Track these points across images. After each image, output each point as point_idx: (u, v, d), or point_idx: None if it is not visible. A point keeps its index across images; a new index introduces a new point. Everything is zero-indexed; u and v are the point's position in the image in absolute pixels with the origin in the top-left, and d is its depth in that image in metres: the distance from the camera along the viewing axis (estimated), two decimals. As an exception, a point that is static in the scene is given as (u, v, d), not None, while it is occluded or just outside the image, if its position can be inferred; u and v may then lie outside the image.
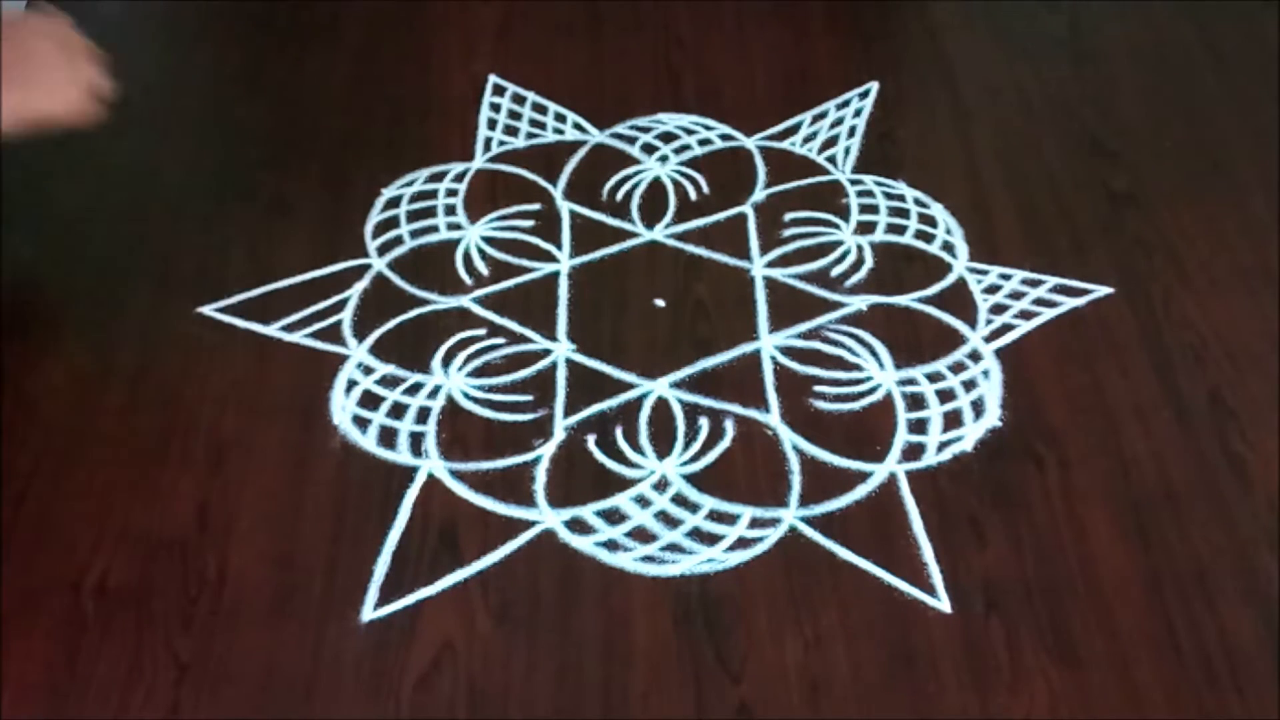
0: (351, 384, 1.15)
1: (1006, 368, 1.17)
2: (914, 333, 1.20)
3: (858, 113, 1.42)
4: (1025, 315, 1.22)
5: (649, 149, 1.37)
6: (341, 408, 1.13)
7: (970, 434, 1.12)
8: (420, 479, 1.08)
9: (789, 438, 1.11)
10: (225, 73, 1.47)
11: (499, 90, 1.43)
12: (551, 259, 1.26)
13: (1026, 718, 0.95)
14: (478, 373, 1.16)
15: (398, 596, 1.01)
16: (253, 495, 1.07)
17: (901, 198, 1.33)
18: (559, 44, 1.50)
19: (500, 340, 1.19)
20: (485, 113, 1.41)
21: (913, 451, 1.11)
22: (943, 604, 1.01)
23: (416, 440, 1.11)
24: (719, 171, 1.35)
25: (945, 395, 1.15)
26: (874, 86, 1.45)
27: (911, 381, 1.16)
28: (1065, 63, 1.50)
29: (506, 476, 1.09)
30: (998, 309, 1.22)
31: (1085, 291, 1.24)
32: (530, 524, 1.05)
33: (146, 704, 0.94)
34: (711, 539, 1.05)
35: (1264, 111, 1.42)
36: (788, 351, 1.18)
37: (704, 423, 1.13)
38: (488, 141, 1.38)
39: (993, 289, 1.24)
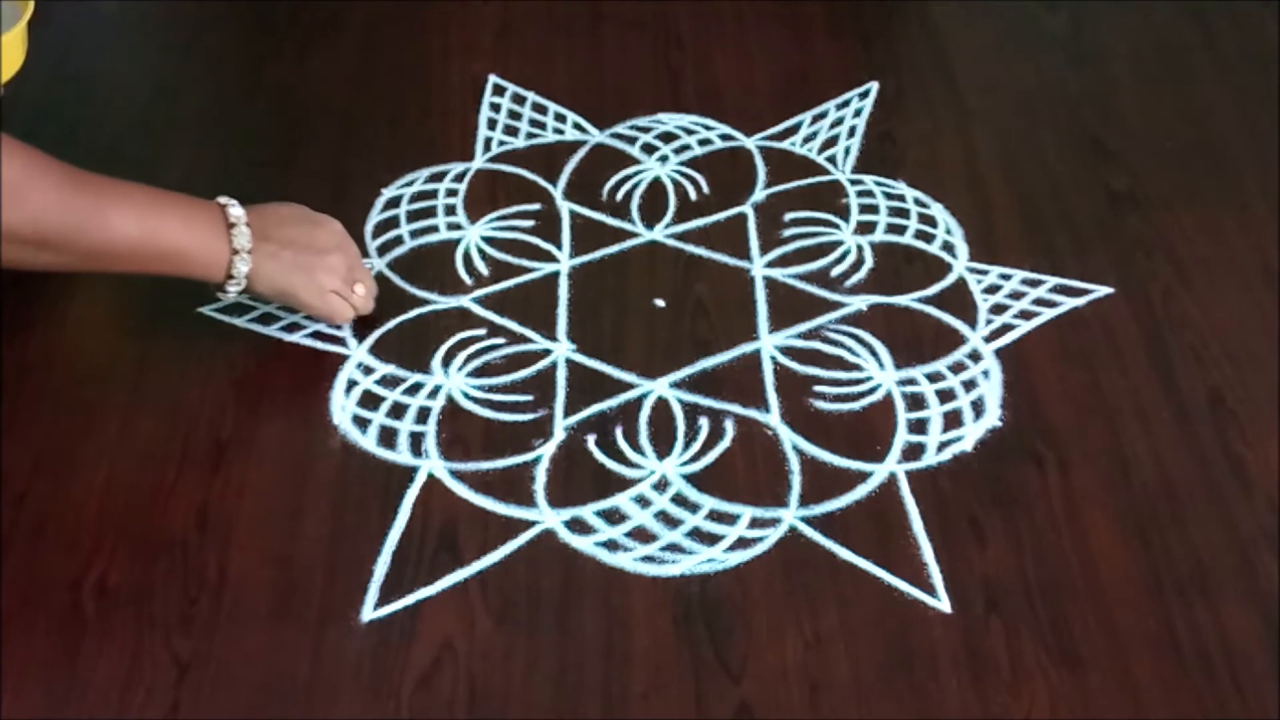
0: (351, 384, 1.15)
1: (1006, 368, 1.17)
2: (914, 333, 1.20)
3: (858, 113, 1.42)
4: (1025, 315, 1.22)
5: (649, 149, 1.37)
6: (341, 408, 1.13)
7: (970, 434, 1.12)
8: (420, 479, 1.08)
9: (789, 438, 1.11)
10: (225, 73, 1.47)
11: (499, 90, 1.43)
12: (551, 259, 1.26)
13: (1026, 718, 0.95)
14: (478, 373, 1.16)
15: (398, 596, 1.01)
16: (253, 495, 1.07)
17: (901, 198, 1.33)
18: (559, 44, 1.50)
19: (500, 340, 1.19)
20: (485, 113, 1.41)
21: (913, 451, 1.11)
22: (943, 604, 1.01)
23: (416, 440, 1.11)
24: (719, 171, 1.35)
25: (945, 395, 1.15)
26: (874, 86, 1.45)
27: (911, 381, 1.16)
28: (1065, 63, 1.50)
29: (506, 476, 1.08)
30: (998, 309, 1.22)
31: (1085, 291, 1.24)
32: (530, 524, 1.05)
33: (146, 704, 0.94)
34: (711, 539, 1.05)
35: (1264, 111, 1.42)
36: (788, 351, 1.18)
37: (704, 423, 1.13)
38: (488, 141, 1.38)
39: (993, 289, 1.24)
